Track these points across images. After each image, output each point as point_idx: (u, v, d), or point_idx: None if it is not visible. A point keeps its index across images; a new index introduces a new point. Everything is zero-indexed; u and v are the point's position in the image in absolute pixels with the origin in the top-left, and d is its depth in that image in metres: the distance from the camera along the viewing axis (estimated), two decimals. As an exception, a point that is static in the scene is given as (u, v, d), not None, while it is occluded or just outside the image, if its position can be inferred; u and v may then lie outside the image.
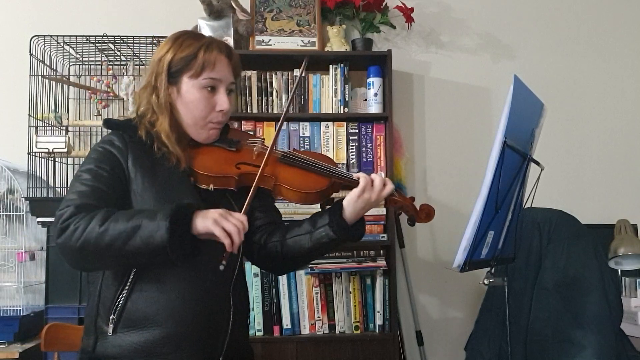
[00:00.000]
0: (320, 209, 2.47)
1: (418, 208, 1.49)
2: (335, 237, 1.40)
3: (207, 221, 1.22)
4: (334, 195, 1.50)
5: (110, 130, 1.44)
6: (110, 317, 1.30)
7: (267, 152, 1.40)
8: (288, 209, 2.47)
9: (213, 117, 1.42)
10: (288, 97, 2.64)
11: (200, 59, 1.38)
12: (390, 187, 1.44)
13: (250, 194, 1.35)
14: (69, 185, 1.42)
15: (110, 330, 1.30)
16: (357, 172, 1.47)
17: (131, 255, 1.23)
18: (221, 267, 1.22)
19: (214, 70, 1.40)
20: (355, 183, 1.43)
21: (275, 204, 1.62)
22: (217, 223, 1.21)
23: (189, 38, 1.43)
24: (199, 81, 1.40)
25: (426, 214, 1.49)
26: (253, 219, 1.52)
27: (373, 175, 1.44)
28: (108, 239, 1.20)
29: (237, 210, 1.33)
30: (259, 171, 1.38)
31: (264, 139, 1.52)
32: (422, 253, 2.84)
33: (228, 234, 1.21)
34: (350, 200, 1.41)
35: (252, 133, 2.54)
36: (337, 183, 1.46)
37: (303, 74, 1.51)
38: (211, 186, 1.38)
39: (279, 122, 1.47)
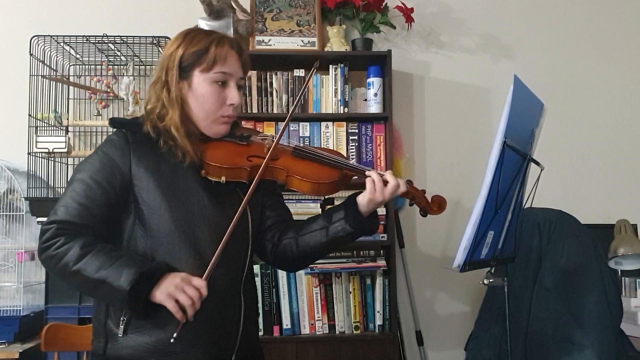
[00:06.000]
0: (320, 209, 2.51)
1: (430, 200, 1.50)
2: (352, 231, 1.43)
3: (162, 295, 1.24)
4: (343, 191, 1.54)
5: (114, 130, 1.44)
6: (121, 319, 1.31)
7: (274, 142, 1.42)
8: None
9: (224, 111, 1.43)
10: (290, 97, 2.64)
11: (211, 54, 1.39)
12: (402, 189, 1.44)
13: (254, 182, 1.37)
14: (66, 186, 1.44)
15: (121, 331, 1.31)
16: (371, 170, 1.45)
17: (96, 298, 1.36)
18: (172, 340, 1.24)
19: (225, 64, 1.41)
20: (363, 176, 1.44)
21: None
22: (171, 296, 1.24)
23: (199, 34, 1.44)
24: (210, 75, 1.40)
25: (438, 205, 1.49)
26: (264, 218, 1.53)
27: (380, 173, 1.43)
28: (77, 281, 1.28)
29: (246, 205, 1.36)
30: (265, 160, 1.39)
31: (274, 135, 1.53)
32: (422, 253, 2.84)
33: (182, 307, 1.24)
34: (362, 200, 1.43)
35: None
36: (349, 176, 1.49)
37: (311, 73, 1.55)
38: (223, 178, 1.38)
39: (286, 119, 1.50)
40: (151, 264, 1.28)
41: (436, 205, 1.49)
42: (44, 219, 2.41)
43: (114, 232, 1.36)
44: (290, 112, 1.51)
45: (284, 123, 1.49)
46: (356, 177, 1.50)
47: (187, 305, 1.24)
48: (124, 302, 1.23)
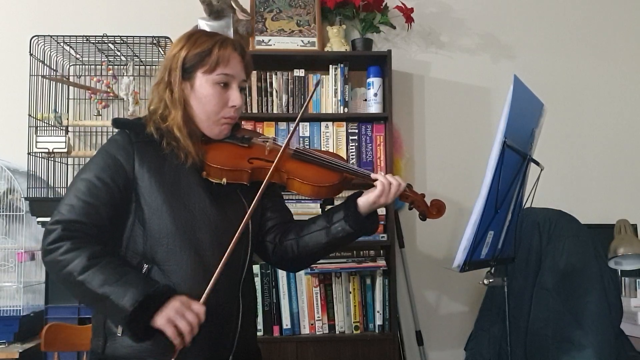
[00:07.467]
0: (320, 209, 2.51)
1: (429, 204, 1.50)
2: (352, 231, 1.44)
3: (162, 320, 1.22)
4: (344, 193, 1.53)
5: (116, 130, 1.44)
6: None
7: (283, 147, 1.42)
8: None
9: (225, 113, 1.44)
10: (290, 97, 2.64)
11: (214, 55, 1.40)
12: (402, 186, 1.46)
13: (261, 188, 1.37)
14: (67, 188, 1.43)
15: (120, 331, 1.30)
16: (375, 173, 1.48)
17: (96, 312, 1.38)
18: None
19: (228, 66, 1.42)
20: (370, 180, 1.46)
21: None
22: (171, 322, 1.22)
23: (203, 35, 1.45)
24: (213, 77, 1.41)
25: (437, 209, 1.50)
26: (265, 219, 1.54)
27: (389, 178, 1.45)
28: (80, 291, 1.27)
29: (247, 206, 1.38)
30: (273, 165, 1.39)
31: (275, 137, 1.53)
32: (422, 253, 2.84)
33: (180, 332, 1.22)
34: (366, 201, 1.44)
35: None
36: (349, 179, 1.49)
37: (313, 91, 1.56)
38: (224, 180, 1.39)
39: (296, 120, 1.49)
40: (157, 286, 1.26)
41: (435, 209, 1.50)
42: (44, 219, 2.45)
43: (117, 231, 1.36)
44: (296, 122, 1.49)
45: (293, 127, 1.48)
46: (356, 180, 1.50)
47: (186, 332, 1.22)
48: (124, 322, 1.22)
